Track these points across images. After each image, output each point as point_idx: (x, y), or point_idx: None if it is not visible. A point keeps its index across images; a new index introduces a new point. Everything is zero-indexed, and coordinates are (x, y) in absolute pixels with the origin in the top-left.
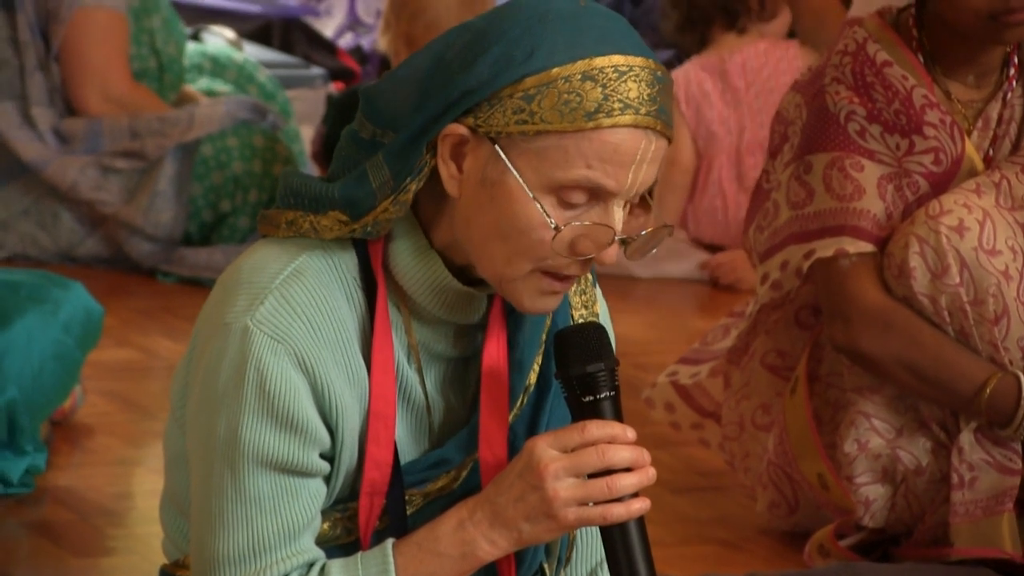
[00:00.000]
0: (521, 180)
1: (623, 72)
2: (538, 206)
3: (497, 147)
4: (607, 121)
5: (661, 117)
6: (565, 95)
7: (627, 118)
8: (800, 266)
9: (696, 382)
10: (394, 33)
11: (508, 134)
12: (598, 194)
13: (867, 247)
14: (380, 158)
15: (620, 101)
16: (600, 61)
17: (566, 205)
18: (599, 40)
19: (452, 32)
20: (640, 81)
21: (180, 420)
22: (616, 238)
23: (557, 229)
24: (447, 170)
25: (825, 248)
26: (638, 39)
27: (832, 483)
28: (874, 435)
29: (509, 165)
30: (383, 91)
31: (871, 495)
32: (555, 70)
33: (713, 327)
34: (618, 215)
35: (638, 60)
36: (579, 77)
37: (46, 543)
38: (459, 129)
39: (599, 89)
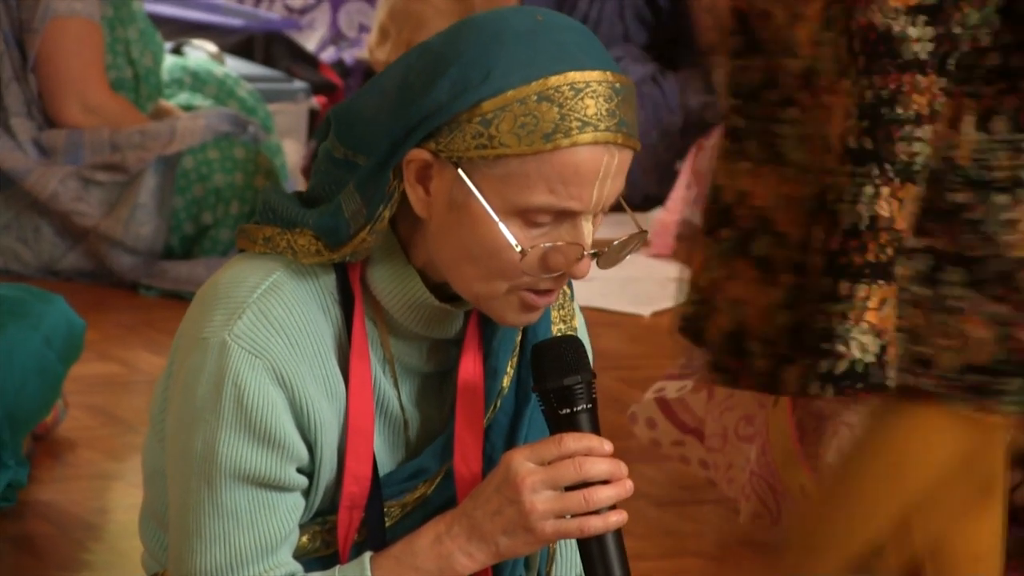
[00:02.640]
0: (485, 204)
1: (579, 89)
2: (503, 229)
3: (460, 171)
4: (565, 141)
5: (622, 130)
6: (522, 118)
7: (586, 136)
8: None
9: (680, 396)
10: (394, 43)
11: (470, 159)
12: (564, 214)
13: None
14: (352, 187)
15: (578, 119)
16: (555, 80)
17: (533, 224)
18: (555, 57)
19: (413, 52)
20: (598, 96)
21: (160, 434)
22: (586, 253)
23: (523, 252)
24: (415, 193)
25: None
26: (597, 49)
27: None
28: None
29: (473, 189)
30: (352, 112)
31: None
32: (510, 92)
33: None
34: (587, 229)
35: (595, 75)
36: (535, 98)
37: (27, 557)
38: (422, 155)
39: (556, 109)
